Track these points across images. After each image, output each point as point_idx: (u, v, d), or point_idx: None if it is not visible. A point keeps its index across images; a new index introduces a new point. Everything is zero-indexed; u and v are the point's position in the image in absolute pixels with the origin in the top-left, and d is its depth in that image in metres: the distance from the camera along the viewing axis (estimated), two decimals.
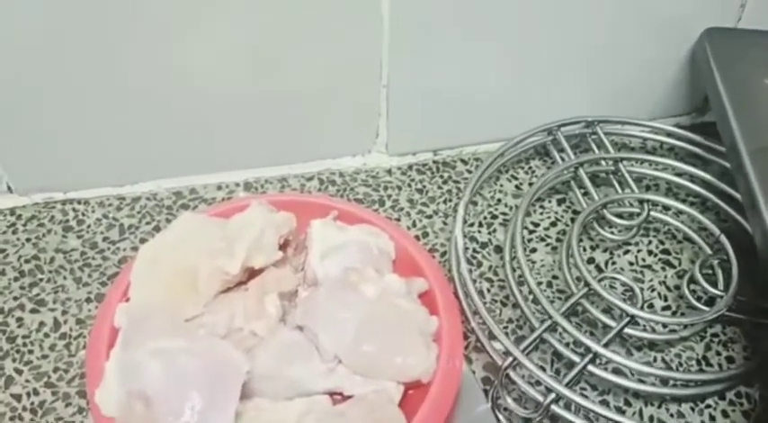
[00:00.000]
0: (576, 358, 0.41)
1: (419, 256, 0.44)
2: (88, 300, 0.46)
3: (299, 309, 0.40)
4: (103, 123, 0.49)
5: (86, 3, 0.43)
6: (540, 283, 0.48)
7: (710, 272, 0.47)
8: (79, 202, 0.52)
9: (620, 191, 0.51)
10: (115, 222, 0.51)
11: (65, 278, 0.47)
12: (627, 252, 0.51)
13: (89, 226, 0.50)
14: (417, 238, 0.51)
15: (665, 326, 0.45)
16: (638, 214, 0.49)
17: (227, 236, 0.41)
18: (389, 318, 0.39)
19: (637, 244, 0.51)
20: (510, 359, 0.40)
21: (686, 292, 0.46)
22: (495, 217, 0.53)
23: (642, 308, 0.44)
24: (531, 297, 0.45)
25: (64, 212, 0.51)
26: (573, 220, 0.51)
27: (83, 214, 0.51)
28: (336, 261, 0.42)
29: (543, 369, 0.43)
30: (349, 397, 0.38)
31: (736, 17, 0.54)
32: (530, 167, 0.56)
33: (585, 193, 0.52)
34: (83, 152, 0.50)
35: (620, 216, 0.50)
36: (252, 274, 0.42)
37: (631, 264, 0.50)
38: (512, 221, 0.49)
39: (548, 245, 0.51)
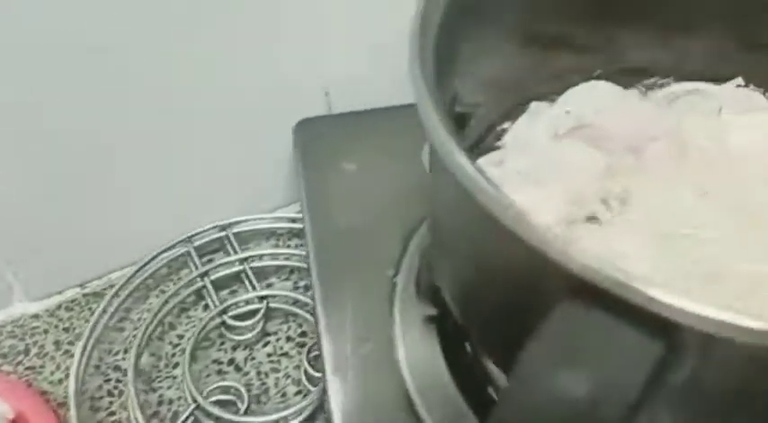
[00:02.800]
0: None
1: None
2: None
3: None
4: None
5: None
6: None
7: None
8: None
9: (249, 289, 0.55)
10: None
11: None
12: (266, 344, 0.54)
13: None
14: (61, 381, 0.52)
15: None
16: (260, 310, 0.53)
17: None
18: None
19: (276, 333, 0.54)
20: None
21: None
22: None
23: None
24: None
25: None
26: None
27: None
28: None
29: None
30: None
31: (326, 104, 0.58)
32: (179, 278, 0.58)
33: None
34: None
35: (242, 317, 0.53)
36: None
37: (269, 355, 0.53)
38: (132, 347, 0.51)
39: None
